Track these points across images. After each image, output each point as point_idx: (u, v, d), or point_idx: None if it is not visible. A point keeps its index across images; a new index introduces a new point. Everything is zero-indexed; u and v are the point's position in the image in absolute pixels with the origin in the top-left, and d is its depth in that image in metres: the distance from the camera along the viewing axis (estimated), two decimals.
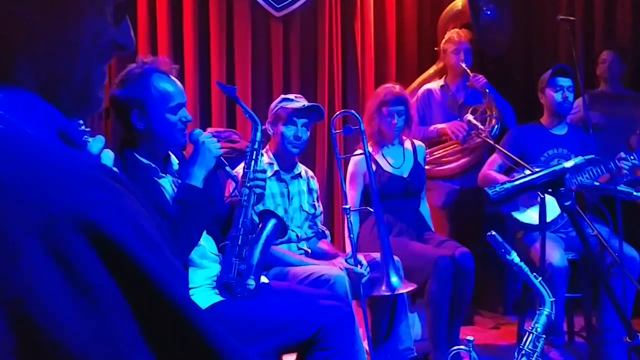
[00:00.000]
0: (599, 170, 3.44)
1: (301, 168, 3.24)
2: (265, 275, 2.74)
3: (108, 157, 1.27)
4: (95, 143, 1.23)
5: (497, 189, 1.72)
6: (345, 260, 3.01)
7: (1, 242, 0.52)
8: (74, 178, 0.56)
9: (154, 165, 2.36)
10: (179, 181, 2.38)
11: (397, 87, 3.57)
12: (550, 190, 1.70)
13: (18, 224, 0.53)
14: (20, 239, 0.52)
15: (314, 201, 3.24)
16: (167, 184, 2.38)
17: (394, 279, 3.00)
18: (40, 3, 0.66)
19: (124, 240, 0.55)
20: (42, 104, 0.67)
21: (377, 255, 3.14)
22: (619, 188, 2.94)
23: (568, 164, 1.76)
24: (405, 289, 3.03)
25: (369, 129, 3.46)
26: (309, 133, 3.14)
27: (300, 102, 3.10)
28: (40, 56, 0.67)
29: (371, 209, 3.20)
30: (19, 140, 0.59)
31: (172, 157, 2.48)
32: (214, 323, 0.57)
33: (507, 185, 1.72)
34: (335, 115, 3.40)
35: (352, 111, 3.34)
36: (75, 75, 0.71)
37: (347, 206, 3.10)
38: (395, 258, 3.12)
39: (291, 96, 3.18)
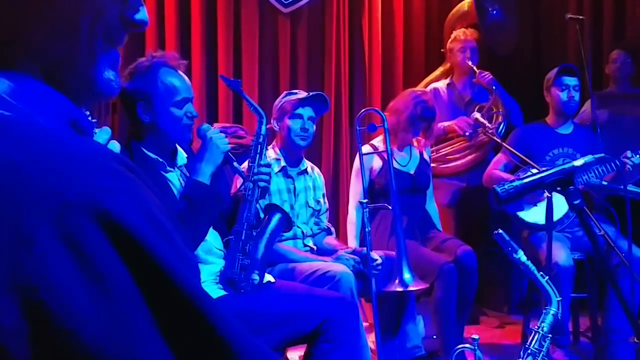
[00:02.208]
0: (604, 168, 3.43)
1: (307, 164, 3.24)
2: (271, 272, 2.74)
3: (114, 148, 1.27)
4: (101, 134, 1.23)
5: (506, 186, 1.71)
6: (346, 253, 3.01)
7: (16, 229, 0.52)
8: (88, 166, 0.56)
9: (161, 160, 2.36)
10: (187, 175, 2.38)
11: (430, 101, 3.55)
12: (559, 188, 1.70)
13: (32, 211, 0.53)
14: (34, 225, 0.52)
15: (319, 197, 3.24)
16: (174, 178, 2.39)
17: (407, 276, 3.00)
18: None
19: (138, 228, 0.54)
20: (53, 93, 0.67)
21: (382, 253, 3.14)
22: (628, 188, 2.93)
23: (578, 163, 1.75)
24: (417, 286, 3.03)
25: (398, 134, 3.47)
26: (315, 127, 3.14)
27: (304, 94, 3.12)
28: (38, 42, 0.66)
29: (389, 206, 3.19)
30: (31, 128, 0.59)
31: (180, 150, 2.48)
32: (226, 313, 0.57)
33: (516, 183, 1.71)
34: (360, 113, 3.41)
35: (377, 109, 3.35)
36: (78, 59, 0.68)
37: (365, 201, 3.07)
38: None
39: (294, 90, 3.22)
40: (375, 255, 3.02)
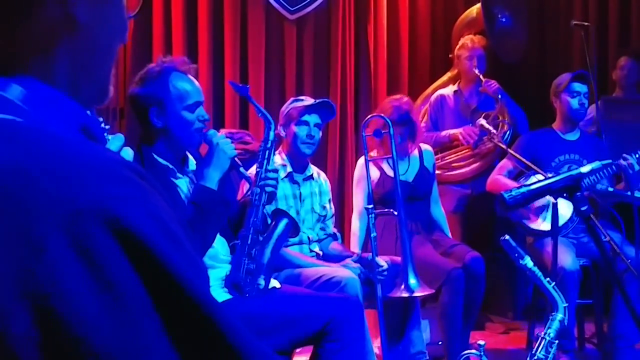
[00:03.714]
0: (605, 172, 3.41)
1: (313, 170, 3.24)
2: (277, 278, 2.74)
3: (127, 155, 1.28)
4: (115, 141, 1.24)
5: (513, 192, 1.71)
6: (353, 261, 3.01)
7: (26, 236, 0.52)
8: (98, 173, 0.57)
9: (171, 166, 2.37)
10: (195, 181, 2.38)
11: (404, 104, 3.50)
12: (566, 195, 1.70)
13: (43, 218, 0.53)
14: (45, 232, 0.52)
15: (325, 203, 3.24)
16: (183, 184, 2.39)
17: (412, 281, 2.99)
18: (98, 8, 0.69)
19: (148, 235, 0.55)
20: (65, 100, 0.67)
21: (388, 259, 3.13)
22: (636, 195, 2.92)
23: (585, 169, 1.75)
24: (423, 292, 3.02)
25: (383, 141, 3.46)
26: (321, 133, 3.14)
27: (310, 100, 3.13)
28: (80, 56, 0.69)
29: (395, 212, 3.19)
30: (42, 134, 0.60)
31: (190, 157, 2.49)
32: (234, 320, 0.57)
33: (523, 189, 1.71)
34: (366, 119, 3.42)
35: (382, 115, 3.35)
36: (103, 72, 0.73)
37: (370, 206, 3.07)
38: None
39: (301, 97, 3.22)
40: (382, 261, 3.02)
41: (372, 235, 3.01)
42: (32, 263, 0.52)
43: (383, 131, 3.30)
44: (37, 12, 0.65)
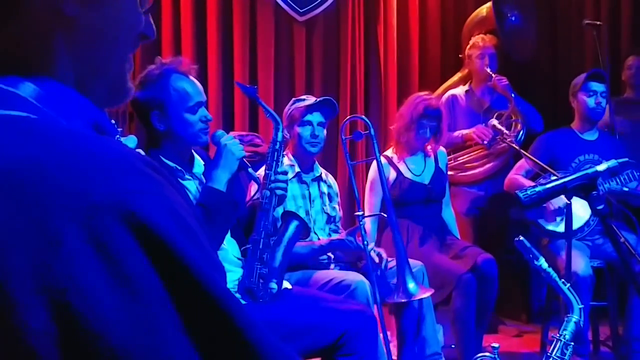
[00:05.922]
0: (626, 177, 3.39)
1: (322, 170, 3.22)
2: (287, 280, 2.72)
3: None
4: (128, 142, 1.24)
5: (528, 192, 1.70)
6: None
7: (43, 230, 0.52)
8: (114, 167, 0.56)
9: (179, 168, 2.36)
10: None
11: (434, 100, 3.53)
12: (582, 194, 1.68)
13: (59, 212, 0.52)
14: (61, 227, 0.52)
15: (335, 204, 3.22)
16: (192, 186, 2.38)
17: (411, 285, 2.93)
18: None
19: (165, 230, 0.54)
20: (77, 97, 0.67)
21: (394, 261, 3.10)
22: None
23: (601, 168, 1.74)
24: (422, 294, 2.96)
25: (403, 136, 3.43)
26: (325, 132, 3.12)
27: (312, 99, 3.11)
28: (81, 50, 0.68)
29: (384, 214, 3.15)
30: (57, 130, 0.60)
31: (197, 158, 2.48)
32: (253, 317, 0.57)
33: (539, 188, 1.70)
34: (344, 121, 3.38)
35: (362, 116, 3.32)
36: (112, 68, 0.72)
37: (361, 212, 3.00)
38: (419, 263, 3.10)
39: (302, 97, 3.20)
40: (376, 258, 2.97)
41: (364, 242, 2.88)
42: (48, 257, 0.51)
43: (363, 132, 3.24)
44: (23, 7, 0.64)
